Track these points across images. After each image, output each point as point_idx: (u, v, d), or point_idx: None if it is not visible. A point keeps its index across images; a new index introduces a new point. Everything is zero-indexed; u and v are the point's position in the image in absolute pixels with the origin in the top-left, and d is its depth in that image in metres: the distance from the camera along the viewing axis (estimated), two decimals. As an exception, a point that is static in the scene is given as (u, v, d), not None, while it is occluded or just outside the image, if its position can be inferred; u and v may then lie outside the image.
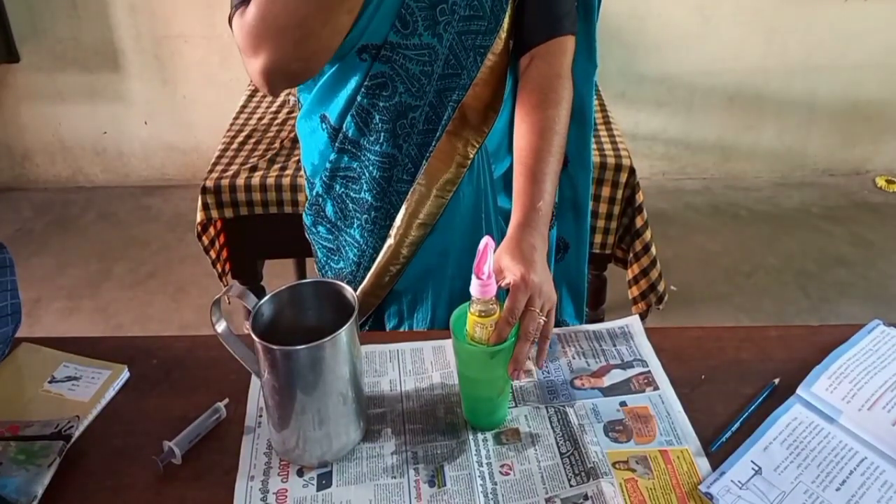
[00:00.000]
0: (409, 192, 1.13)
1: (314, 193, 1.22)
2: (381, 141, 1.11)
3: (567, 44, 1.12)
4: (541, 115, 1.06)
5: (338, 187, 1.17)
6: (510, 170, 1.20)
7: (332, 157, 1.15)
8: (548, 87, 1.08)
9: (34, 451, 0.84)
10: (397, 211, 1.14)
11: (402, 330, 1.23)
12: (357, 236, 1.19)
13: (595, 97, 1.21)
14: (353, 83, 1.08)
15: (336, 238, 1.22)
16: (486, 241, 0.81)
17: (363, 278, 1.19)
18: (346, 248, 1.21)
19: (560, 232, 1.26)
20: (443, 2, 1.04)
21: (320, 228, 1.24)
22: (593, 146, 1.24)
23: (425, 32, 1.05)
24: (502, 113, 1.16)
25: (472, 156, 1.13)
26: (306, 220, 1.26)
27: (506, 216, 1.20)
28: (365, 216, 1.16)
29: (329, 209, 1.21)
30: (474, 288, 0.82)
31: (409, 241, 1.15)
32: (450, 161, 1.12)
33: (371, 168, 1.13)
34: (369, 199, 1.15)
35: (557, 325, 1.09)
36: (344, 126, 1.11)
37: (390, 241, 1.15)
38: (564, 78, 1.10)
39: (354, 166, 1.14)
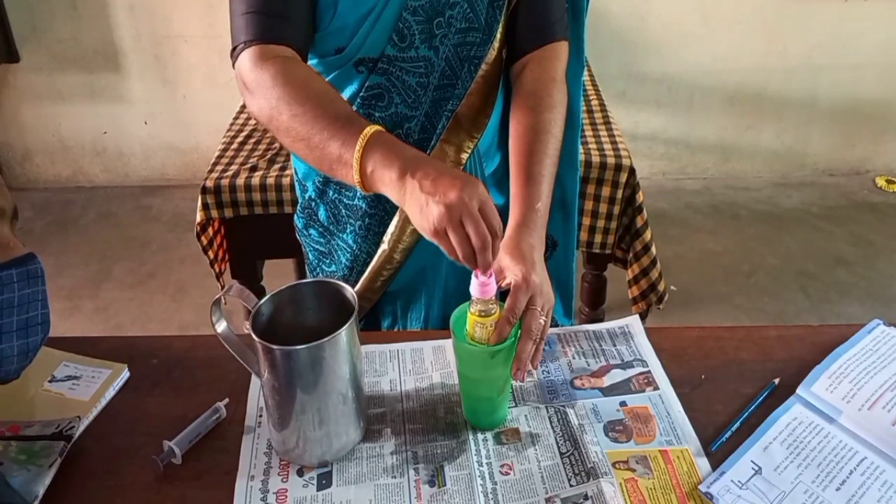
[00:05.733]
0: None
1: (306, 197, 1.22)
2: None
3: (561, 49, 1.12)
4: (536, 118, 1.06)
5: (331, 193, 1.17)
6: (500, 166, 1.20)
7: None
8: (543, 90, 1.09)
9: (35, 451, 0.84)
10: (391, 217, 1.14)
11: (396, 329, 1.23)
12: (350, 241, 1.19)
13: (582, 97, 1.22)
14: (348, 94, 1.09)
15: (328, 242, 1.22)
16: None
17: (356, 282, 1.19)
18: (339, 252, 1.21)
19: (548, 230, 1.26)
20: (439, 15, 1.04)
21: (312, 232, 1.23)
22: (585, 146, 1.23)
23: (422, 45, 1.05)
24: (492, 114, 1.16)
25: (464, 160, 1.13)
26: (297, 223, 1.26)
27: (498, 212, 1.20)
28: (359, 222, 1.16)
29: (322, 214, 1.21)
30: (474, 288, 0.82)
31: (403, 247, 1.15)
32: None
33: None
34: (363, 205, 1.15)
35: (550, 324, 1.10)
36: None
37: (384, 247, 1.15)
38: (559, 82, 1.11)
39: None
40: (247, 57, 0.95)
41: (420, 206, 0.79)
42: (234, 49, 0.98)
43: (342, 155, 0.85)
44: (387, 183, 0.82)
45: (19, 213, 0.82)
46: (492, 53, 1.10)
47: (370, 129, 0.85)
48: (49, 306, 0.81)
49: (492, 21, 1.08)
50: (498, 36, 1.09)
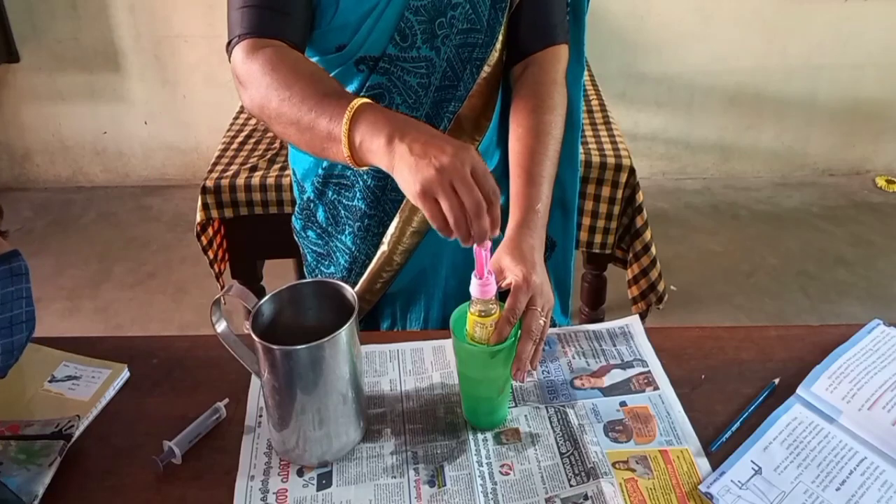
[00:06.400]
0: (404, 201, 1.13)
1: (305, 198, 1.21)
2: None
3: (561, 52, 1.12)
4: (537, 120, 1.06)
5: (330, 193, 1.17)
6: (499, 164, 1.20)
7: (326, 163, 1.15)
8: (544, 92, 1.09)
9: (35, 450, 0.84)
10: (391, 219, 1.14)
11: (396, 330, 1.23)
12: (349, 243, 1.19)
13: (583, 98, 1.22)
14: None
15: (326, 244, 1.22)
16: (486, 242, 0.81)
17: (355, 283, 1.19)
18: (337, 253, 1.21)
19: (548, 231, 1.26)
20: (442, 15, 1.04)
21: (310, 233, 1.23)
22: (585, 146, 1.23)
23: (423, 45, 1.05)
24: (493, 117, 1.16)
25: None
26: (295, 224, 1.25)
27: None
28: (358, 224, 1.16)
29: (320, 215, 1.20)
30: (474, 288, 0.82)
31: (403, 249, 1.15)
32: None
33: (365, 177, 1.13)
34: (363, 206, 1.15)
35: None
36: None
37: (384, 248, 1.15)
38: (560, 84, 1.11)
39: (348, 174, 1.14)
40: (240, 50, 0.95)
41: (409, 168, 0.76)
42: (228, 43, 0.97)
43: (331, 130, 0.83)
44: (375, 151, 0.80)
45: (20, 214, 0.82)
46: (494, 55, 1.10)
47: (358, 101, 0.82)
48: (34, 304, 0.81)
49: (494, 23, 1.08)
50: (500, 38, 1.09)
